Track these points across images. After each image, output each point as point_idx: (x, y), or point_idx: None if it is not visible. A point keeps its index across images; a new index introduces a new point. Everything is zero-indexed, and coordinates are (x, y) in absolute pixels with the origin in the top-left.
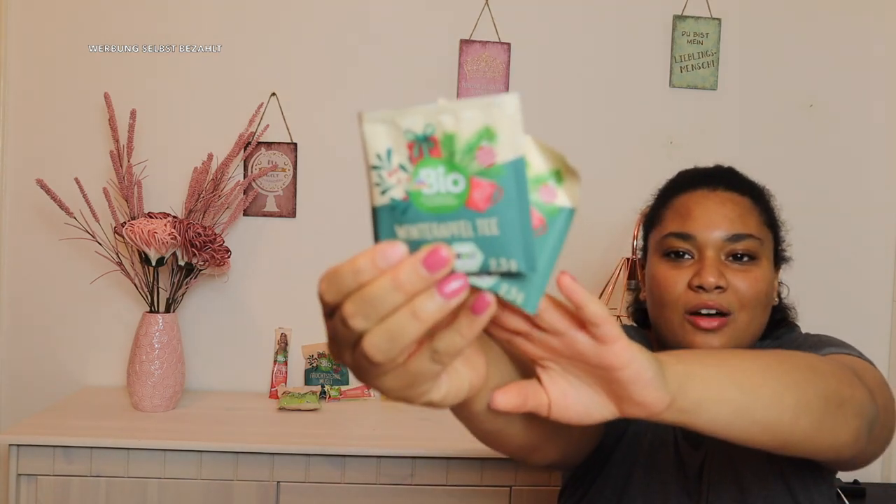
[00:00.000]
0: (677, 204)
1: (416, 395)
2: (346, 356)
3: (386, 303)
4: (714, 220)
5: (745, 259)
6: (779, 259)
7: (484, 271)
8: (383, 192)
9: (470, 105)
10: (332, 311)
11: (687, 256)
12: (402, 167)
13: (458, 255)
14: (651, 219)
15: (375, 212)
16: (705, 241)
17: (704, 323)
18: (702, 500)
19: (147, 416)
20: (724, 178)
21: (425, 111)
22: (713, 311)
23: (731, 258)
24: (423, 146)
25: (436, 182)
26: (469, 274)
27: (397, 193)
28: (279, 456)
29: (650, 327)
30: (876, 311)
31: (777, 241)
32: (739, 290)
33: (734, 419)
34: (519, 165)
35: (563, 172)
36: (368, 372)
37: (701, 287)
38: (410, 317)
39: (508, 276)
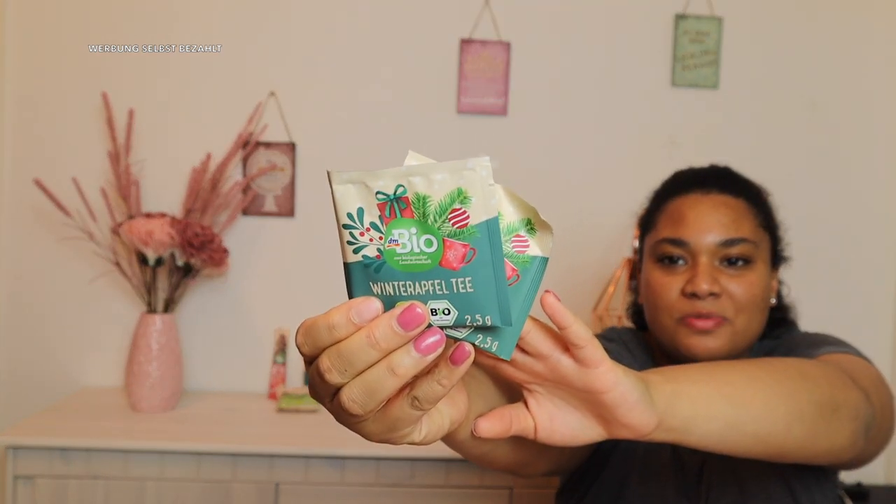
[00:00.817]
0: (671, 208)
1: (397, 437)
2: (325, 404)
3: (361, 359)
4: (707, 225)
5: (740, 263)
6: (777, 259)
7: (459, 325)
8: (356, 251)
9: (440, 168)
10: (310, 361)
11: (681, 262)
12: (374, 226)
13: (434, 312)
14: (646, 223)
15: (348, 267)
16: (698, 246)
17: (700, 323)
18: (701, 501)
19: (145, 417)
20: (718, 181)
21: (395, 173)
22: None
23: (725, 263)
24: (396, 206)
25: (409, 242)
26: (444, 327)
27: (370, 252)
28: (278, 457)
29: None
30: (879, 309)
31: (774, 241)
32: (734, 296)
33: (726, 434)
34: (493, 225)
35: (534, 222)
36: (348, 420)
37: (694, 294)
38: (387, 372)
39: (483, 328)
